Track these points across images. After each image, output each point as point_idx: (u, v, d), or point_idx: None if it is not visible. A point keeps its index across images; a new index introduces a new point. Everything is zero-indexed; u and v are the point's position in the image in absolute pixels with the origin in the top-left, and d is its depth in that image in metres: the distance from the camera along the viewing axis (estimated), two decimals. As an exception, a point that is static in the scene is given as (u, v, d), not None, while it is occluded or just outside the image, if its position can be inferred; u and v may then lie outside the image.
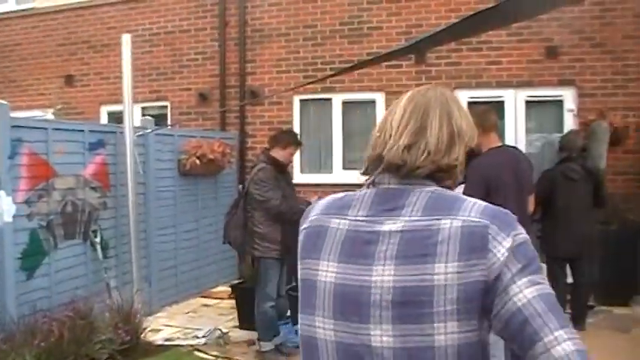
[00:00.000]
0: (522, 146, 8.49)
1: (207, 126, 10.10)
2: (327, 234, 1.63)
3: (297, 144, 6.21)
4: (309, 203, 5.97)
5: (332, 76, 7.42)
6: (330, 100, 9.42)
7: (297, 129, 9.25)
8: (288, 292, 6.50)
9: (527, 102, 8.66)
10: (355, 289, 1.53)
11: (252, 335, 6.32)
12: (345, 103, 9.38)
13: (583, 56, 8.41)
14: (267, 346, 5.96)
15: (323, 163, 9.57)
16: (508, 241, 1.47)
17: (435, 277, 1.45)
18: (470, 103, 8.37)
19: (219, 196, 9.07)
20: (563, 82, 8.50)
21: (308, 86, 9.06)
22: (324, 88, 9.25)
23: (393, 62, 8.79)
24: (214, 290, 8.80)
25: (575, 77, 8.46)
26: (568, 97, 8.55)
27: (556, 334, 1.38)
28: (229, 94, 10.06)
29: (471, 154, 4.99)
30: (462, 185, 5.41)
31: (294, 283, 7.15)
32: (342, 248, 1.59)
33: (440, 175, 1.64)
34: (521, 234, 1.50)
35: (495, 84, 8.73)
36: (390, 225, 1.55)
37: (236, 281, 8.03)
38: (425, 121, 1.63)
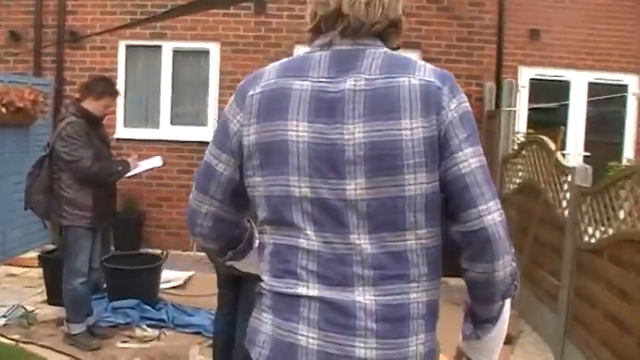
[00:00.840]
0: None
1: (18, 70, 8.80)
2: (290, 96, 1.65)
3: (114, 94, 5.22)
4: (127, 163, 5.26)
5: (159, 18, 6.59)
6: (159, 47, 8.53)
7: (121, 78, 8.39)
8: (103, 263, 5.71)
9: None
10: (329, 147, 1.60)
11: (63, 312, 5.35)
12: (176, 52, 8.52)
13: (430, 19, 8.12)
14: (77, 328, 5.11)
15: (150, 118, 8.68)
16: (454, 102, 1.61)
17: (403, 132, 1.56)
18: None
19: (30, 151, 7.89)
20: (408, 45, 8.16)
21: (136, 31, 8.16)
22: (154, 34, 8.35)
23: (232, 10, 8.09)
24: (23, 257, 7.70)
25: (420, 40, 8.18)
26: (412, 60, 8.25)
27: (489, 204, 1.59)
28: (45, 34, 8.80)
29: None
30: None
31: (112, 253, 6.39)
32: (310, 108, 1.63)
33: (390, 31, 1.73)
34: (466, 102, 1.65)
35: (339, 42, 8.23)
36: (353, 83, 1.62)
37: (50, 247, 7.03)
38: None
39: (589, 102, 9.65)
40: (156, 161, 5.68)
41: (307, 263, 1.64)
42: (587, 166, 5.23)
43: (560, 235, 5.35)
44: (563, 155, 7.75)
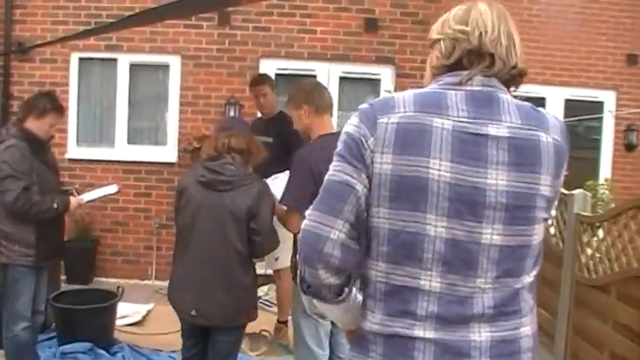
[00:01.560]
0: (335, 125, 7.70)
1: (-41, 82, 8.15)
2: (432, 132, 1.64)
3: (59, 110, 4.53)
4: (67, 200, 4.59)
5: (112, 27, 6.02)
6: (115, 60, 7.87)
7: (74, 93, 7.78)
8: (51, 301, 5.09)
9: (342, 78, 7.81)
10: (471, 190, 1.63)
11: None
12: (133, 66, 7.88)
13: (404, 33, 7.69)
14: (18, 380, 4.49)
15: (104, 136, 8.03)
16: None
17: (541, 186, 1.67)
18: (278, 75, 7.39)
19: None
20: (381, 60, 7.75)
21: (90, 43, 7.56)
22: (109, 46, 7.73)
23: (193, 21, 7.54)
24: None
25: (394, 55, 7.74)
26: (386, 76, 7.83)
27: None
28: (-10, 45, 8.15)
29: (295, 141, 3.84)
30: (279, 177, 4.38)
31: (62, 289, 5.76)
32: (453, 148, 1.63)
33: (517, 80, 1.79)
34: None
35: (307, 55, 7.76)
36: (496, 129, 1.66)
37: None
38: (509, 27, 1.75)
39: (565, 119, 9.35)
40: (110, 189, 5.11)
41: (428, 305, 1.64)
42: (586, 192, 4.81)
43: (554, 266, 4.90)
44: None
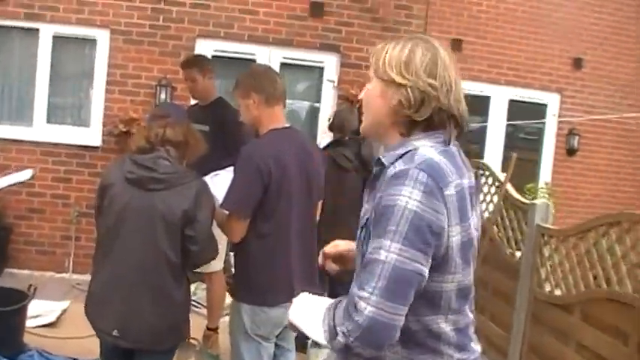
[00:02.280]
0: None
1: None
2: (466, 195, 1.78)
3: None
4: None
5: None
6: (36, 31, 7.17)
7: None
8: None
9: (283, 64, 7.34)
10: (472, 241, 1.85)
11: None
12: (56, 38, 7.17)
13: (351, 20, 7.27)
14: None
15: (21, 114, 7.32)
16: None
17: None
18: (215, 57, 6.90)
19: None
20: (325, 47, 7.31)
21: (8, 9, 6.86)
22: (30, 14, 7.00)
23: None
24: None
25: (340, 43, 7.31)
26: (330, 64, 7.40)
27: None
28: None
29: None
30: (220, 174, 3.84)
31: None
32: (471, 205, 1.82)
33: None
34: None
35: (248, 38, 7.25)
36: (468, 181, 1.82)
37: None
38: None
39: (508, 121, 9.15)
40: (24, 175, 4.50)
41: (472, 330, 1.92)
42: (548, 202, 4.49)
43: (508, 279, 4.59)
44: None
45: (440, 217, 1.65)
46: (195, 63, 5.51)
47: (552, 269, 4.19)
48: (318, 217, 3.61)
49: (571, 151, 9.39)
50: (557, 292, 4.10)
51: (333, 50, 7.34)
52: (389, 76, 1.77)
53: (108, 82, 7.14)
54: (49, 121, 7.24)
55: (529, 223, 4.46)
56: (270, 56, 7.27)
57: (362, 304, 1.60)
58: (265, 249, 3.19)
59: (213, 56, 7.04)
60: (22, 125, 7.22)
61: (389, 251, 1.61)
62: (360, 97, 1.98)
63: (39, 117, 7.20)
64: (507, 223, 4.86)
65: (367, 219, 1.77)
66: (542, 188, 9.15)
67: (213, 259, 3.38)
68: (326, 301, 1.86)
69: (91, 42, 7.21)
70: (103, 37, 7.14)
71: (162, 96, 7.01)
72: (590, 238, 3.81)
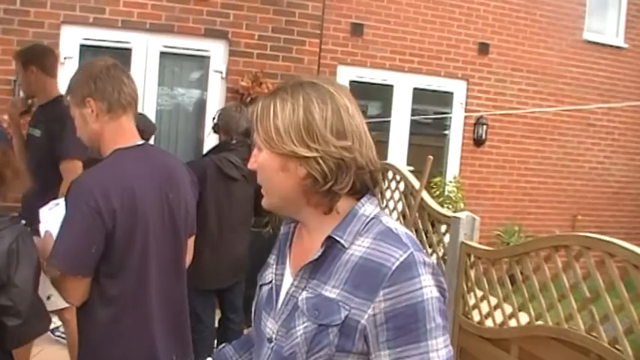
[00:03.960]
0: (152, 104, 6.41)
1: None
2: None
3: None
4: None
5: None
6: None
7: None
8: None
9: (164, 53, 6.45)
10: None
11: None
12: None
13: (240, 3, 6.46)
14: None
15: None
16: None
17: None
18: (84, 48, 6.00)
19: None
20: (212, 33, 6.46)
21: None
22: None
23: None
24: None
25: (227, 29, 6.48)
26: (217, 52, 6.56)
27: None
28: None
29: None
30: (60, 204, 2.86)
31: None
32: None
33: None
34: None
35: (122, 24, 6.30)
36: None
37: None
38: None
39: (413, 110, 8.58)
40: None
41: None
42: (474, 216, 3.81)
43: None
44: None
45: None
46: (22, 54, 4.45)
47: (482, 296, 3.54)
48: (191, 252, 2.77)
49: (478, 142, 8.92)
50: (489, 324, 3.46)
51: (220, 37, 6.51)
52: (288, 149, 1.45)
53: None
54: None
55: (452, 239, 3.80)
56: (148, 45, 6.38)
57: None
58: (115, 315, 2.31)
59: (82, 46, 6.14)
60: None
61: (438, 350, 1.43)
62: (250, 166, 1.57)
63: None
64: (424, 238, 4.19)
65: (347, 318, 1.42)
66: (450, 182, 8.65)
67: (45, 331, 2.48)
68: None
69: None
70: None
71: (22, 94, 5.98)
72: (528, 262, 3.17)
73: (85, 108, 2.38)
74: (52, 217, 2.54)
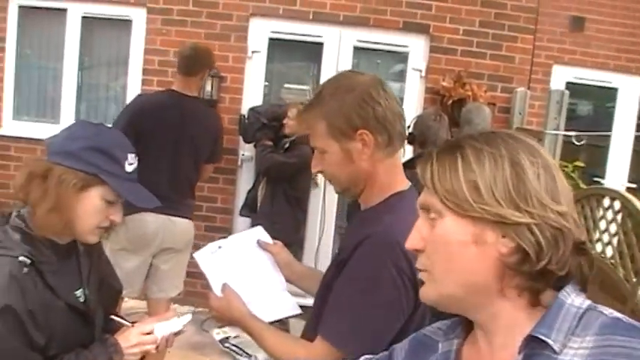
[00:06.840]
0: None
1: None
2: None
3: None
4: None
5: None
6: (64, 11, 6.05)
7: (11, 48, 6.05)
8: None
9: (357, 48, 5.98)
10: None
11: None
12: (86, 19, 6.06)
13: (443, -7, 5.83)
14: None
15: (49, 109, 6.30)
16: None
17: None
18: (272, 40, 5.74)
19: None
20: (414, 28, 5.86)
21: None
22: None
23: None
24: None
25: (429, 22, 5.86)
26: (416, 49, 5.94)
27: None
28: None
29: None
30: None
31: None
32: None
33: None
34: None
35: (312, 17, 5.88)
36: None
37: None
38: None
39: None
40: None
41: None
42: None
43: None
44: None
45: None
46: None
47: None
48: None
49: None
50: None
51: (421, 31, 5.90)
52: (492, 211, 1.12)
53: (145, 71, 5.94)
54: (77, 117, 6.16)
55: None
56: (340, 39, 5.92)
57: None
58: None
59: (271, 39, 5.86)
60: (49, 122, 6.19)
61: None
62: (419, 243, 1.21)
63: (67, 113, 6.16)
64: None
65: None
66: None
67: None
68: None
69: (126, 23, 6.05)
70: (139, 18, 5.94)
71: (208, 88, 5.75)
72: None
73: (352, 142, 1.86)
74: (214, 263, 2.12)
